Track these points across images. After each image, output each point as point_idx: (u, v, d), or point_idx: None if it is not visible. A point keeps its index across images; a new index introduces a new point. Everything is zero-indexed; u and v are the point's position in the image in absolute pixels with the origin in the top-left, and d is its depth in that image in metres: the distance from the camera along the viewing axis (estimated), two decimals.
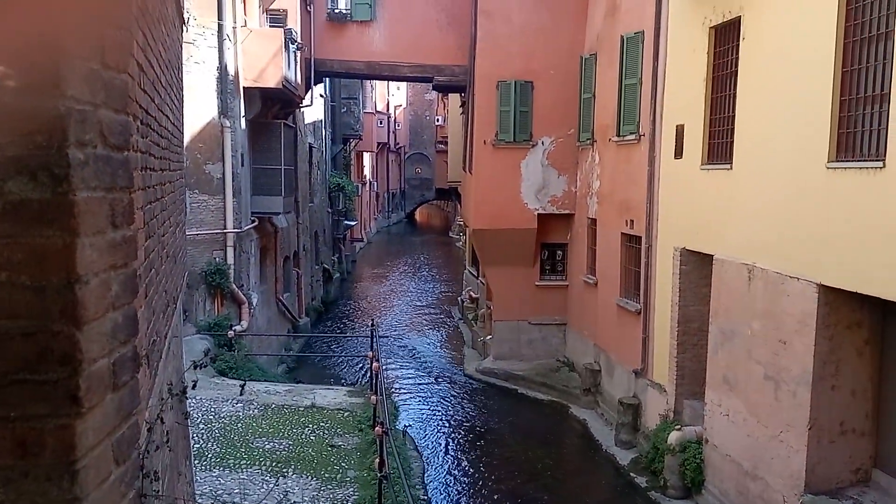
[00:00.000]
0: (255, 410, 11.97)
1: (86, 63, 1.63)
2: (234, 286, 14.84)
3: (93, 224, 1.67)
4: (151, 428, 3.00)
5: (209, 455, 10.04)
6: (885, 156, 7.00)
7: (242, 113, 15.19)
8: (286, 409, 12.23)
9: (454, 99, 26.03)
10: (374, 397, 11.34)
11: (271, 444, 10.66)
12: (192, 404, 10.93)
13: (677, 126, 11.56)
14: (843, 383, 8.15)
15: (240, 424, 11.28)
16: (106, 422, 1.81)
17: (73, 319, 1.63)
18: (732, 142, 9.96)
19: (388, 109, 49.77)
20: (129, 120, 2.00)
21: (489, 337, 18.38)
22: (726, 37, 10.24)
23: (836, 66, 7.75)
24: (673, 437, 10.97)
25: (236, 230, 14.87)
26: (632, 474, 12.07)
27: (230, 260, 14.81)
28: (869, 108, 7.44)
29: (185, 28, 11.72)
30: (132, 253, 1.97)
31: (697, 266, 11.25)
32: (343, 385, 16.19)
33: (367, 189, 44.88)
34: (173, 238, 5.77)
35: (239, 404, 11.98)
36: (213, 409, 11.70)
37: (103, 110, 1.71)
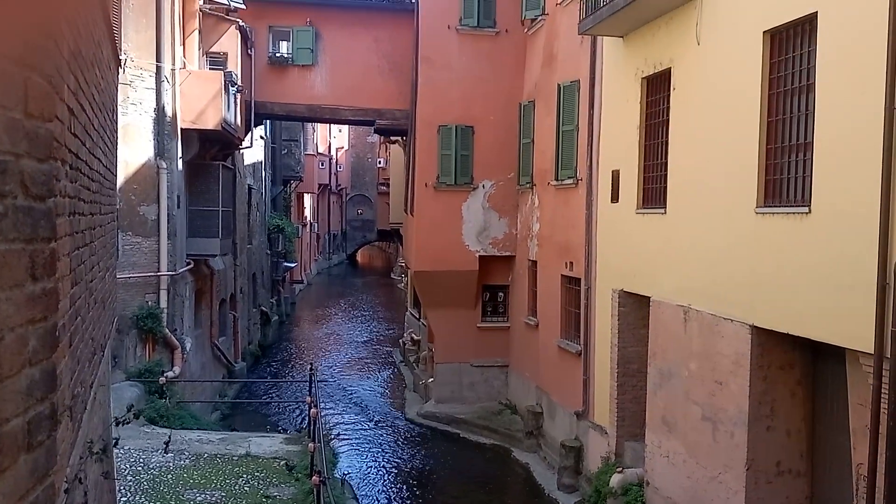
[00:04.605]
0: (187, 461, 11.49)
1: (7, 113, 1.55)
2: (167, 330, 14.37)
3: (10, 277, 1.58)
4: (69, 489, 2.83)
5: None
6: (810, 202, 7.30)
7: (180, 154, 14.92)
8: (219, 458, 11.78)
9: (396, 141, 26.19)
10: (311, 445, 11.04)
11: (203, 496, 10.22)
12: (119, 455, 10.43)
13: (613, 171, 11.86)
14: (778, 424, 8.34)
15: (170, 476, 10.80)
16: (18, 485, 1.68)
17: None
18: (666, 187, 10.26)
19: (329, 151, 49.73)
20: (53, 168, 1.91)
21: (431, 380, 18.23)
22: (658, 87, 10.63)
23: (761, 116, 8.11)
24: (615, 479, 10.99)
25: (170, 273, 14.47)
26: None
27: (163, 303, 14.37)
28: (794, 156, 7.79)
29: (121, 69, 11.52)
30: (52, 305, 1.87)
31: (635, 307, 11.45)
32: (280, 432, 15.74)
33: (308, 230, 44.46)
34: (102, 283, 5.56)
35: (169, 454, 11.49)
36: (141, 460, 11.18)
37: (25, 160, 1.63)
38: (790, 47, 7.85)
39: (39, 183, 1.75)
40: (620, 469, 11.14)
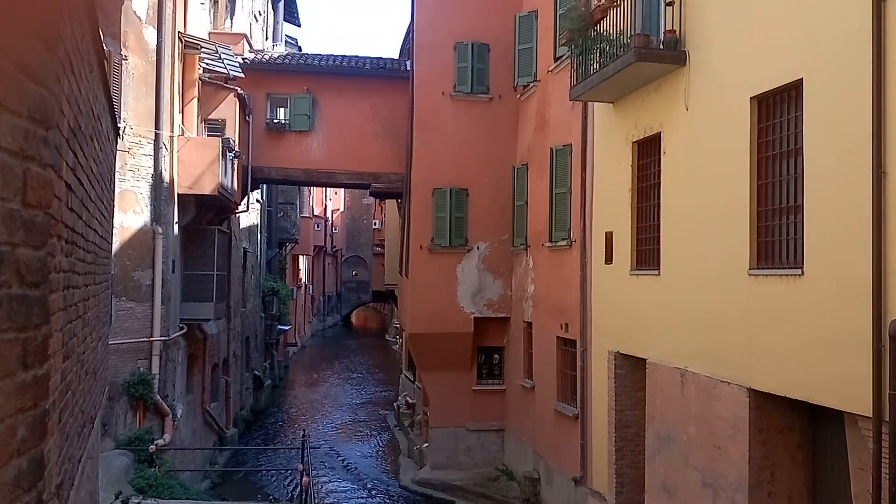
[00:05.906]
0: None
1: (5, 204, 1.56)
2: (158, 397, 14.14)
3: (1, 368, 1.56)
4: None
5: None
6: (802, 264, 7.34)
7: (176, 219, 14.98)
8: None
9: (391, 203, 26.44)
10: None
11: None
12: None
13: (606, 233, 11.94)
14: (779, 489, 8.17)
15: None
16: None
17: None
18: (659, 248, 10.31)
19: (325, 213, 50.03)
20: (49, 252, 1.91)
21: (426, 444, 17.91)
22: (648, 150, 10.80)
23: (751, 179, 8.21)
24: None
25: (163, 338, 14.33)
26: None
27: (155, 369, 14.17)
28: (785, 219, 7.86)
29: (120, 138, 11.67)
30: (43, 392, 1.84)
31: (632, 370, 11.34)
32: (271, 501, 15.34)
33: (303, 292, 44.34)
34: (94, 353, 5.50)
35: None
36: None
37: (21, 249, 1.63)
38: (777, 112, 8.01)
39: (34, 270, 1.74)
40: None
